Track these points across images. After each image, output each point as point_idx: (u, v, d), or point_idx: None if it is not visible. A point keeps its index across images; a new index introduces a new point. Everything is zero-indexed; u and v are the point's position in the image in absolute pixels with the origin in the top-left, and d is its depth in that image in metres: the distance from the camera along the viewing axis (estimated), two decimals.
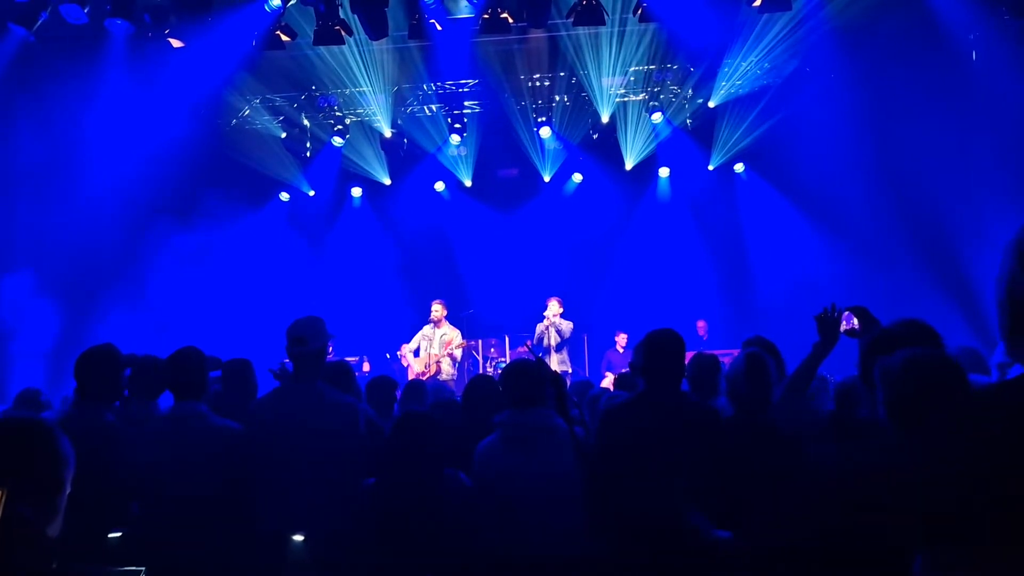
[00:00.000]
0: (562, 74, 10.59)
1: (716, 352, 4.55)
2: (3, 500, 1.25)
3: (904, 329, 2.88)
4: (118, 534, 2.90)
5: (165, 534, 2.85)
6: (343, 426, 3.17)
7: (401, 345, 9.46)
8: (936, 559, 1.12)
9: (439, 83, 10.71)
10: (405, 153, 11.90)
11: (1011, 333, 1.23)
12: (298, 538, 2.87)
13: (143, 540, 2.88)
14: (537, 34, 9.36)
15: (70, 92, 8.66)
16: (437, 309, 8.93)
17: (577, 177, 12.23)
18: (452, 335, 8.87)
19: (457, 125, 11.20)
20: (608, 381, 8.76)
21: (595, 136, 11.65)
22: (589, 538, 2.96)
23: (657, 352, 3.11)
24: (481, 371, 9.99)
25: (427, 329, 8.98)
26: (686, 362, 3.84)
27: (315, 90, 10.74)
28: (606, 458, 3.04)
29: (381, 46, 9.46)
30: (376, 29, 8.27)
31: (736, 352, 3.50)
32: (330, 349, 3.45)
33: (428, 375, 8.48)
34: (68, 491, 1.61)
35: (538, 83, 10.83)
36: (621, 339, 9.91)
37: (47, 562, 1.39)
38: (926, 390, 2.09)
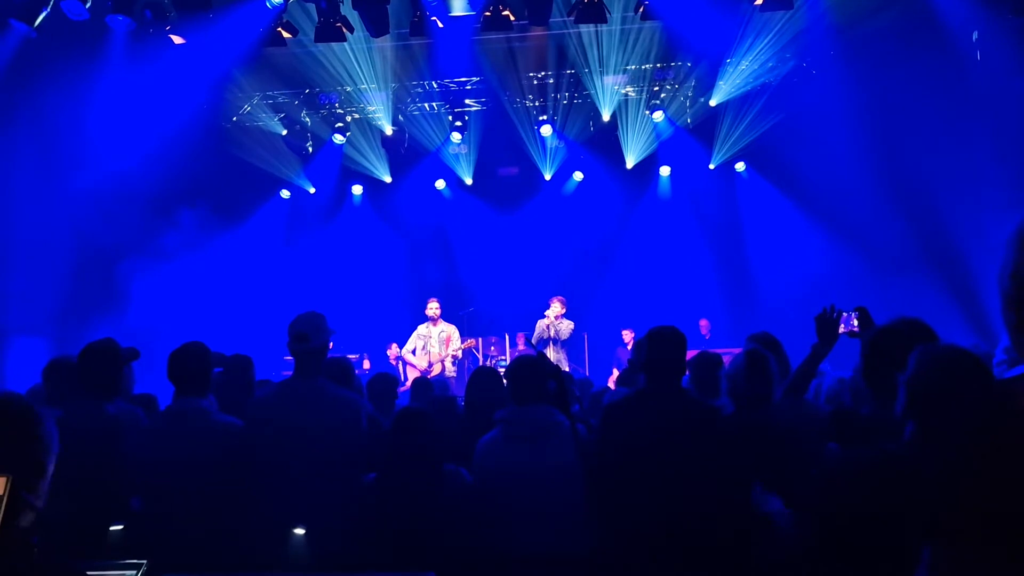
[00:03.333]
0: (563, 72, 10.58)
1: (718, 351, 4.54)
2: (7, 487, 1.25)
3: (904, 327, 2.88)
4: (120, 527, 2.91)
5: (167, 528, 2.86)
6: (345, 422, 3.17)
7: (391, 344, 9.44)
8: (946, 555, 1.07)
9: (440, 81, 10.70)
10: (406, 151, 11.89)
11: (1021, 329, 1.09)
12: (299, 532, 2.88)
13: (145, 534, 2.88)
14: (538, 32, 9.35)
15: (71, 88, 8.66)
16: (433, 307, 8.93)
17: (578, 175, 12.22)
18: (449, 331, 8.88)
19: (458, 123, 11.20)
20: (613, 379, 8.75)
21: (596, 134, 11.63)
22: (590, 535, 2.96)
23: (658, 348, 3.10)
24: None
25: (423, 328, 8.97)
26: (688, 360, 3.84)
27: (316, 87, 10.73)
28: (607, 454, 3.04)
29: (382, 43, 9.46)
30: (377, 26, 8.28)
31: (738, 350, 3.50)
32: (331, 345, 3.44)
33: (432, 374, 8.46)
34: (50, 472, 1.52)
35: (539, 81, 10.82)
36: (627, 336, 9.92)
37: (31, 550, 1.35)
38: (954, 385, 2.06)
